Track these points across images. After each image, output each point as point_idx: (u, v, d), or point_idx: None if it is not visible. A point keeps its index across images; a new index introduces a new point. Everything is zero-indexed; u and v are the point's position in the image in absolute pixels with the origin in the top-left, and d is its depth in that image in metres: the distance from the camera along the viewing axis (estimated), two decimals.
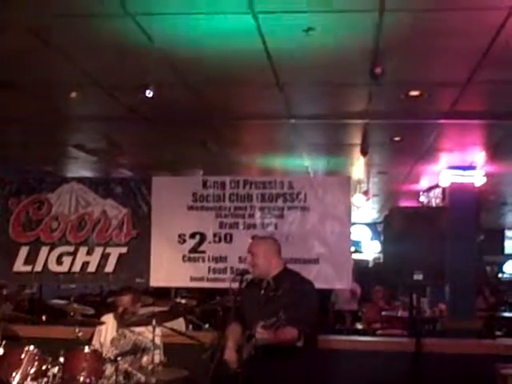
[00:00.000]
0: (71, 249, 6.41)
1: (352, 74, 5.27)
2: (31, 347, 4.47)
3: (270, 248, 4.49)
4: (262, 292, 4.39)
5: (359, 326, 6.61)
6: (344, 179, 6.82)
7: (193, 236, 6.33)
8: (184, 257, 6.29)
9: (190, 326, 6.52)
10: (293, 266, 5.86)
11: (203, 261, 6.26)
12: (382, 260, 11.95)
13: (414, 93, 5.70)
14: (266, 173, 9.38)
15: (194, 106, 6.26)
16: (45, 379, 4.41)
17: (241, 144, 8.16)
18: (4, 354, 4.50)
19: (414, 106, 6.14)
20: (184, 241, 6.32)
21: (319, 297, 4.78)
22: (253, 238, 4.79)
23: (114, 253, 6.37)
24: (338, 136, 7.75)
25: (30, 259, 6.39)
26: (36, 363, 4.44)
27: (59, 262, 6.38)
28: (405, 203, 12.84)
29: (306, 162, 9.04)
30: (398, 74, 5.09)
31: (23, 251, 6.42)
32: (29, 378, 4.37)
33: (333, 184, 6.44)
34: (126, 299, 5.14)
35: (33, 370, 4.40)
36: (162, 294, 6.94)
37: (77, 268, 6.36)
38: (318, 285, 5.30)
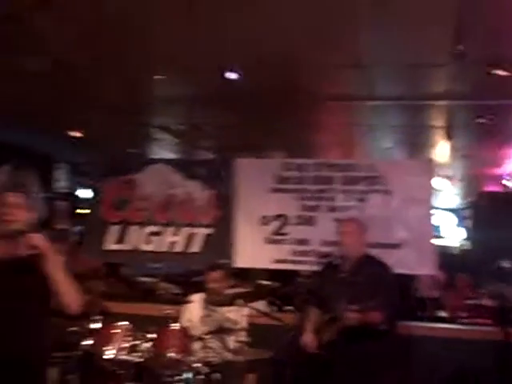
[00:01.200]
0: (159, 229, 6.60)
1: (435, 53, 5.18)
2: (124, 323, 4.68)
3: (361, 230, 4.55)
4: (343, 275, 4.44)
5: (442, 314, 6.53)
6: (427, 162, 6.73)
7: (276, 218, 6.40)
8: (267, 239, 6.38)
9: (273, 308, 6.63)
10: (374, 251, 5.93)
11: (286, 243, 6.34)
12: (467, 247, 11.73)
13: (500, 72, 5.54)
14: (348, 155, 9.34)
15: (277, 88, 6.29)
16: (137, 354, 4.59)
17: (323, 126, 8.15)
18: (100, 328, 4.73)
19: (499, 86, 5.98)
20: (267, 223, 6.41)
21: (400, 282, 4.79)
22: (340, 221, 4.83)
23: (200, 233, 6.53)
24: (420, 118, 7.62)
25: (120, 238, 6.64)
26: (129, 338, 4.64)
27: (148, 241, 6.59)
28: (488, 188, 12.49)
29: (388, 145, 8.95)
30: (481, 52, 4.97)
31: (113, 230, 6.67)
32: (122, 352, 4.57)
33: (415, 167, 6.37)
34: (216, 275, 5.27)
35: (126, 345, 4.60)
36: (243, 275, 7.06)
37: (164, 247, 6.56)
38: (399, 270, 5.33)
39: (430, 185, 6.36)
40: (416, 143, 8.91)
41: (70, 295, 3.18)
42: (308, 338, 4.38)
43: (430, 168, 6.40)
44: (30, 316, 3.19)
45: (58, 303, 3.19)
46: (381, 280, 4.35)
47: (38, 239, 3.13)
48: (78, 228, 8.77)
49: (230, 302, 4.93)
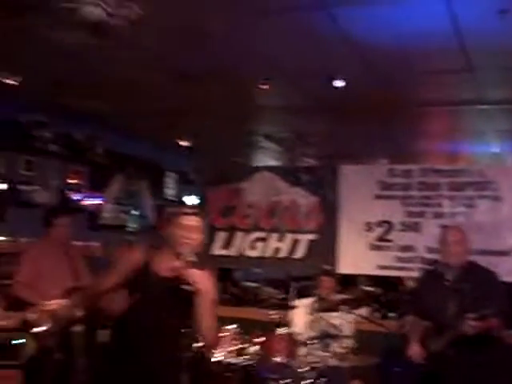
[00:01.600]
0: (263, 235, 6.74)
1: None
2: (233, 326, 4.83)
3: (466, 237, 4.48)
4: (447, 283, 4.37)
5: None
6: None
7: (380, 224, 6.38)
8: (371, 245, 6.37)
9: (376, 314, 6.60)
10: (483, 258, 5.77)
11: (390, 249, 6.30)
12: None
13: None
14: (453, 161, 9.13)
15: (381, 95, 6.28)
16: (244, 357, 4.74)
17: (427, 132, 8.03)
18: None
19: None
20: (371, 229, 6.40)
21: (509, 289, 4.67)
22: (445, 229, 4.76)
23: (304, 240, 6.61)
24: None
25: (227, 244, 6.83)
26: (236, 342, 4.79)
27: (253, 246, 6.74)
28: None
29: (496, 149, 8.67)
30: None
31: (220, 236, 6.87)
32: (230, 355, 4.73)
33: None
34: (329, 280, 5.34)
35: (234, 348, 4.75)
36: (347, 281, 7.07)
37: (269, 253, 6.68)
38: (508, 278, 5.20)
39: None
40: None
41: (209, 333, 3.41)
42: (415, 349, 4.32)
43: None
44: (177, 330, 3.43)
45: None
46: (491, 287, 4.25)
47: (202, 278, 3.28)
48: None
49: (336, 308, 4.98)
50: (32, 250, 5.67)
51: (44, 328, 4.91)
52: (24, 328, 4.96)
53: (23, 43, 5.02)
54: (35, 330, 4.90)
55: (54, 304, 4.95)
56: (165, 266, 3.39)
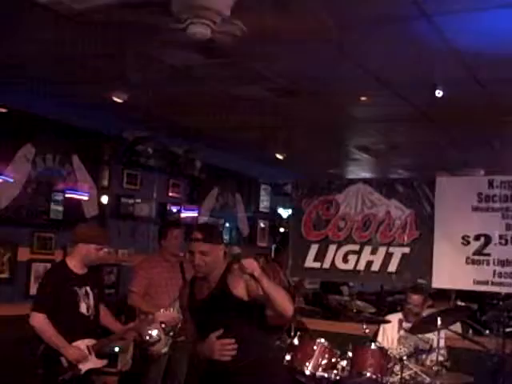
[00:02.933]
0: (356, 247, 6.68)
1: None
2: (322, 340, 4.76)
3: None
4: None
5: None
6: None
7: (477, 238, 6.18)
8: (468, 259, 6.17)
9: (470, 331, 6.41)
10: None
11: (488, 264, 6.08)
12: None
13: None
14: None
15: (481, 103, 6.12)
16: (334, 371, 4.65)
17: None
18: (298, 344, 4.85)
19: None
20: (468, 242, 6.21)
21: None
22: None
23: (397, 253, 6.50)
24: None
25: (319, 256, 6.82)
26: (326, 355, 4.69)
27: (345, 259, 6.69)
28: None
29: None
30: None
31: (313, 248, 6.87)
32: (320, 369, 4.65)
33: None
34: (417, 299, 5.27)
35: (324, 362, 4.67)
36: (441, 295, 6.90)
37: (361, 266, 6.61)
38: None
39: None
40: None
41: (284, 303, 3.50)
42: None
43: None
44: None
45: (275, 313, 3.55)
46: None
47: (250, 264, 3.42)
48: (273, 245, 9.17)
49: (428, 323, 4.89)
50: (146, 262, 6.02)
51: (155, 337, 5.14)
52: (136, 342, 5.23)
53: (132, 62, 5.27)
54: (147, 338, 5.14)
55: (165, 315, 5.18)
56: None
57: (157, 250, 6.19)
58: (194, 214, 8.42)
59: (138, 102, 6.42)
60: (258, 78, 5.57)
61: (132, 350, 5.45)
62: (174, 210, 8.14)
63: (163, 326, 5.15)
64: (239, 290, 3.54)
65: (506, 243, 6.07)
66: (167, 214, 8.08)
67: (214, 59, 5.08)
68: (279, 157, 8.98)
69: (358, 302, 5.66)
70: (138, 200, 7.71)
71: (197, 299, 3.68)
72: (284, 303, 3.49)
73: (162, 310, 5.21)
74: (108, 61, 5.24)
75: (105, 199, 7.25)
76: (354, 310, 5.31)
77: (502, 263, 6.03)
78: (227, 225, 8.95)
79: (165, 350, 5.27)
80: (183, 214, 8.27)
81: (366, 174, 10.09)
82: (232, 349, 3.49)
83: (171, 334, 5.18)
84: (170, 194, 8.29)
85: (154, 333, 5.15)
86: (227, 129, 7.69)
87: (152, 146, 7.58)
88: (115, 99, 6.17)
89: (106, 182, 7.28)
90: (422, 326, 4.99)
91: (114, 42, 4.76)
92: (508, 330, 5.00)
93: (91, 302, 4.73)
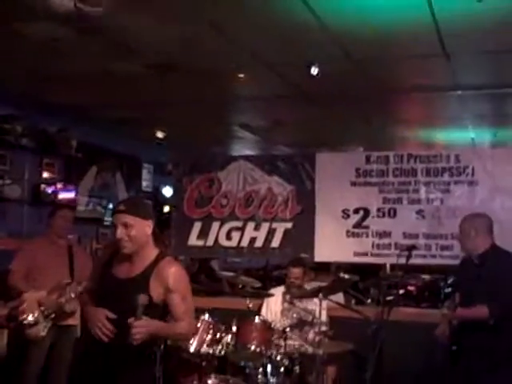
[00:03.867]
0: (240, 224, 6.66)
1: None
2: (206, 316, 4.72)
3: (476, 225, 4.47)
4: (473, 270, 4.42)
5: None
6: None
7: (356, 211, 6.33)
8: (348, 232, 6.32)
9: (353, 301, 6.57)
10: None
11: (367, 236, 6.25)
12: None
13: None
14: (430, 147, 9.14)
15: (358, 81, 6.25)
16: (219, 346, 4.65)
17: (403, 118, 8.02)
18: None
19: None
20: (348, 216, 6.35)
21: None
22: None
23: (280, 228, 6.55)
24: (505, 106, 7.39)
25: (203, 234, 6.75)
26: (211, 331, 4.67)
27: (229, 236, 6.66)
28: None
29: (472, 135, 8.68)
30: None
31: (196, 226, 6.79)
32: (204, 345, 4.61)
33: (503, 156, 6.15)
34: (297, 272, 5.31)
35: (208, 338, 4.64)
36: (323, 268, 7.05)
37: (245, 243, 6.61)
38: None
39: None
40: (501, 132, 8.61)
41: (187, 330, 3.55)
42: (439, 331, 4.55)
43: None
44: None
45: None
46: (502, 271, 4.31)
47: (141, 330, 3.18)
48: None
49: (310, 295, 4.94)
50: (30, 242, 5.77)
51: (30, 319, 4.86)
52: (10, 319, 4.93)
53: None
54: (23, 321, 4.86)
55: (36, 295, 4.92)
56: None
57: (35, 233, 5.99)
58: (71, 194, 8.07)
59: (2, 77, 6.04)
60: (130, 52, 5.40)
61: (6, 336, 5.17)
62: (49, 190, 7.76)
63: (42, 308, 4.87)
64: (156, 290, 3.31)
65: (384, 216, 6.26)
66: (42, 194, 7.69)
67: (83, 33, 4.88)
68: (160, 135, 8.80)
69: (244, 278, 5.64)
70: (8, 181, 7.28)
71: (113, 275, 3.42)
72: (183, 336, 3.69)
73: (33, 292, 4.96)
74: None
75: None
76: (240, 286, 5.28)
77: (380, 235, 6.22)
78: (110, 206, 8.66)
79: (43, 333, 4.99)
80: (60, 195, 7.90)
81: (250, 152, 10.12)
82: (108, 332, 3.29)
83: (52, 316, 4.90)
84: (45, 175, 7.90)
85: (30, 316, 4.88)
86: (104, 106, 7.44)
87: (22, 124, 7.18)
88: None
89: None
90: (304, 297, 5.05)
91: None
92: (388, 298, 5.15)
93: None
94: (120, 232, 3.30)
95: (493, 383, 4.18)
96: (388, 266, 6.43)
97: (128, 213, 3.32)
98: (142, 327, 3.18)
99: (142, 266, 3.36)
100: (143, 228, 3.35)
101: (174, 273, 3.34)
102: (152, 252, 3.42)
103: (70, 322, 5.31)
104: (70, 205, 7.06)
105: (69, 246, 5.67)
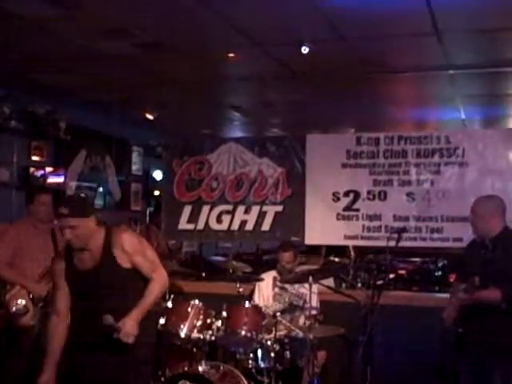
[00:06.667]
0: (230, 207, 6.62)
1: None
2: (196, 301, 4.72)
3: (491, 208, 4.40)
4: (483, 252, 4.36)
5: None
6: (506, 132, 6.45)
7: (347, 194, 6.30)
8: (338, 215, 6.29)
9: (344, 285, 6.57)
10: (450, 224, 5.75)
11: (357, 219, 6.22)
12: None
13: None
14: (421, 128, 9.11)
15: (348, 61, 6.20)
16: (209, 332, 4.63)
17: (395, 98, 7.97)
18: (172, 307, 4.77)
19: None
20: (338, 199, 6.32)
21: None
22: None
23: (270, 211, 6.51)
24: (497, 86, 7.36)
25: (193, 218, 6.70)
26: (201, 316, 4.67)
27: (219, 220, 6.62)
28: None
29: (463, 115, 8.65)
30: None
31: (186, 210, 6.74)
32: (195, 330, 4.61)
33: (494, 137, 6.11)
34: (288, 256, 5.29)
35: (198, 323, 4.64)
36: (314, 252, 7.04)
37: (235, 226, 6.56)
38: None
39: (509, 156, 6.09)
40: (492, 112, 8.58)
41: (160, 292, 3.79)
42: (446, 314, 4.44)
43: (509, 138, 6.12)
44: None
45: None
46: None
47: (128, 333, 3.44)
48: (149, 209, 8.99)
49: (301, 279, 4.93)
50: (13, 228, 5.54)
51: (20, 308, 4.84)
52: None
53: None
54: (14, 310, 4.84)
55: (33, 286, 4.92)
56: None
57: (24, 216, 5.78)
58: (61, 178, 8.01)
59: None
60: (119, 31, 5.30)
61: None
62: (38, 174, 7.70)
63: (31, 296, 4.85)
64: (124, 259, 3.58)
65: (374, 198, 6.23)
66: (31, 178, 7.63)
67: (68, 10, 4.78)
68: (149, 117, 8.72)
69: (235, 263, 5.63)
70: None
71: (78, 270, 3.60)
72: (160, 292, 3.76)
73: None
74: None
75: None
76: (231, 271, 5.26)
77: (370, 218, 6.20)
78: (101, 189, 8.61)
79: (32, 322, 4.98)
80: (49, 179, 7.84)
81: (241, 134, 10.06)
82: None
83: (40, 304, 4.88)
84: (33, 158, 7.83)
85: (20, 304, 4.85)
86: (93, 87, 7.34)
87: (9, 106, 7.08)
88: None
89: None
90: (294, 281, 5.04)
91: None
92: (379, 282, 5.14)
93: None
94: (67, 234, 3.50)
95: (503, 367, 4.15)
96: None
97: (71, 216, 3.48)
98: (127, 328, 3.42)
99: (99, 248, 3.57)
100: (87, 225, 3.56)
101: (126, 238, 3.61)
102: (100, 232, 3.62)
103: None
104: (46, 187, 6.96)
105: (52, 229, 5.58)
